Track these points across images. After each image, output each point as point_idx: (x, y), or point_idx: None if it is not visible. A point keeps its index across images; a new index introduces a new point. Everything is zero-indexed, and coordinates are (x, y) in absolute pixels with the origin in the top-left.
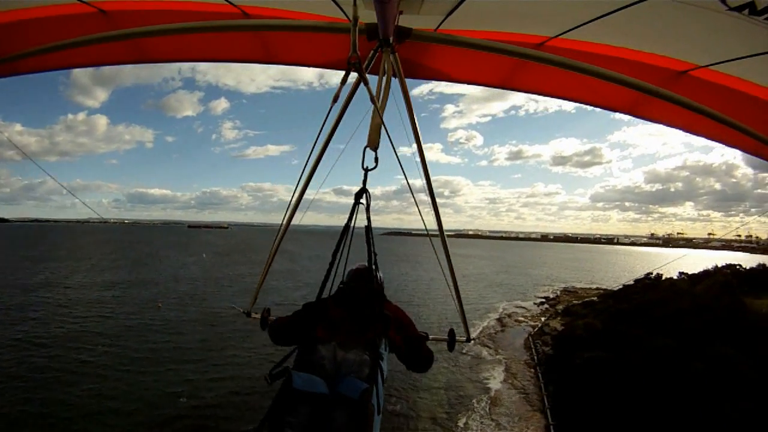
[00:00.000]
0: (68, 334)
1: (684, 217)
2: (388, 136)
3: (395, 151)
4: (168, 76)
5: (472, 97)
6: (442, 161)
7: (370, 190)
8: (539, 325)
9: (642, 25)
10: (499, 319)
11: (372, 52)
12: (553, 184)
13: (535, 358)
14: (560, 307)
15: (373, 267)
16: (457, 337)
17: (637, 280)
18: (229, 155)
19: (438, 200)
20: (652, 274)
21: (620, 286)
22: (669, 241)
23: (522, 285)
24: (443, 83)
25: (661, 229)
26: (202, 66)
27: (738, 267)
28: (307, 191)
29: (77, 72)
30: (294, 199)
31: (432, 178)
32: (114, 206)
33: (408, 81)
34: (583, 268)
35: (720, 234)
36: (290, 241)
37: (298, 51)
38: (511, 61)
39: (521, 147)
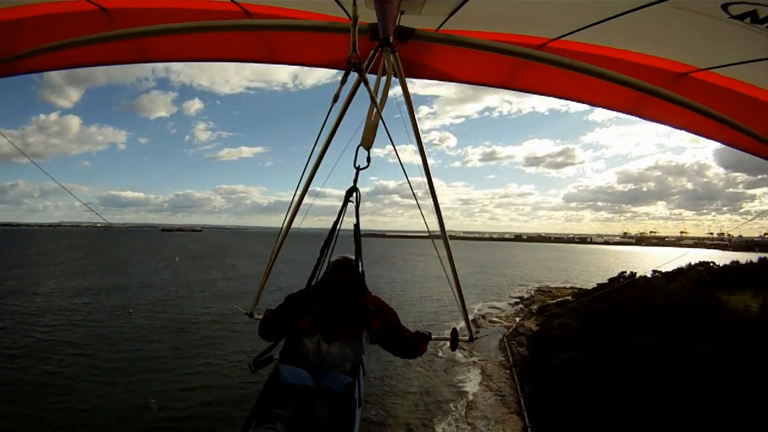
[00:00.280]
0: (37, 343)
1: (656, 216)
2: (389, 136)
3: (396, 151)
4: (141, 76)
5: (446, 98)
6: (415, 162)
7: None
8: (514, 326)
9: (643, 30)
10: (473, 320)
11: (372, 51)
12: (526, 184)
13: (511, 359)
14: (535, 307)
15: (360, 260)
16: (459, 336)
17: (611, 279)
18: (202, 157)
19: (412, 202)
20: (627, 273)
21: (594, 285)
22: (642, 240)
23: (497, 285)
24: (418, 85)
25: (634, 228)
26: (176, 65)
27: (711, 264)
28: (308, 191)
29: None
30: (295, 200)
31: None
32: (86, 209)
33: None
34: (557, 267)
35: (692, 232)
36: (261, 245)
37: (300, 50)
38: (511, 61)
39: (495, 148)
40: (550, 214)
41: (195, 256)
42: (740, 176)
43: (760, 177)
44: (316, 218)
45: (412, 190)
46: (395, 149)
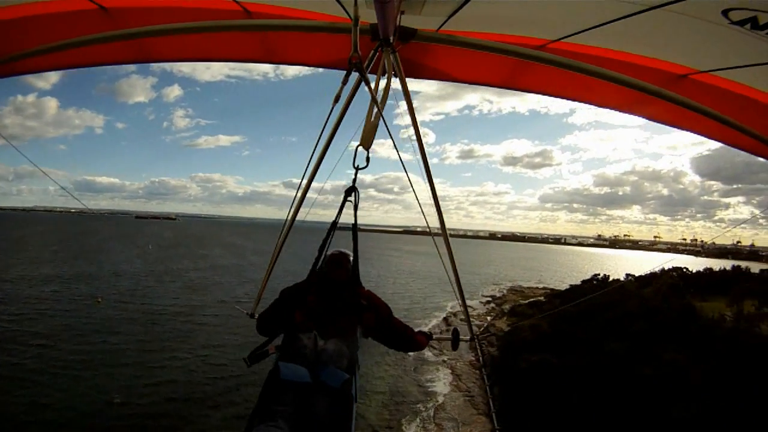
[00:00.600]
0: (1, 334)
1: (631, 220)
2: (390, 136)
3: (397, 151)
4: None
5: (427, 95)
6: (393, 157)
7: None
8: (485, 325)
9: (644, 33)
10: (445, 318)
11: (372, 51)
12: (503, 183)
13: (481, 359)
14: (506, 306)
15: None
16: (460, 336)
17: (584, 281)
18: (179, 144)
19: (387, 196)
20: (600, 275)
21: (567, 286)
22: (615, 243)
23: (470, 283)
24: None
25: (608, 231)
26: None
27: (684, 270)
28: (307, 190)
29: None
30: (297, 197)
31: (382, 174)
32: (61, 194)
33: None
34: (531, 267)
35: (666, 237)
36: (236, 235)
37: (301, 50)
38: (512, 62)
39: (473, 146)
40: (526, 213)
41: (168, 245)
42: (716, 185)
43: (735, 186)
44: (308, 211)
45: (413, 189)
46: (397, 150)
